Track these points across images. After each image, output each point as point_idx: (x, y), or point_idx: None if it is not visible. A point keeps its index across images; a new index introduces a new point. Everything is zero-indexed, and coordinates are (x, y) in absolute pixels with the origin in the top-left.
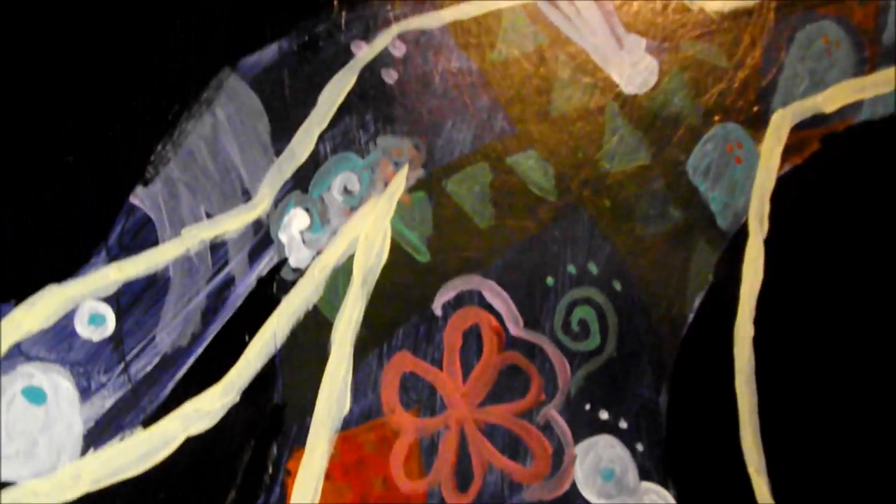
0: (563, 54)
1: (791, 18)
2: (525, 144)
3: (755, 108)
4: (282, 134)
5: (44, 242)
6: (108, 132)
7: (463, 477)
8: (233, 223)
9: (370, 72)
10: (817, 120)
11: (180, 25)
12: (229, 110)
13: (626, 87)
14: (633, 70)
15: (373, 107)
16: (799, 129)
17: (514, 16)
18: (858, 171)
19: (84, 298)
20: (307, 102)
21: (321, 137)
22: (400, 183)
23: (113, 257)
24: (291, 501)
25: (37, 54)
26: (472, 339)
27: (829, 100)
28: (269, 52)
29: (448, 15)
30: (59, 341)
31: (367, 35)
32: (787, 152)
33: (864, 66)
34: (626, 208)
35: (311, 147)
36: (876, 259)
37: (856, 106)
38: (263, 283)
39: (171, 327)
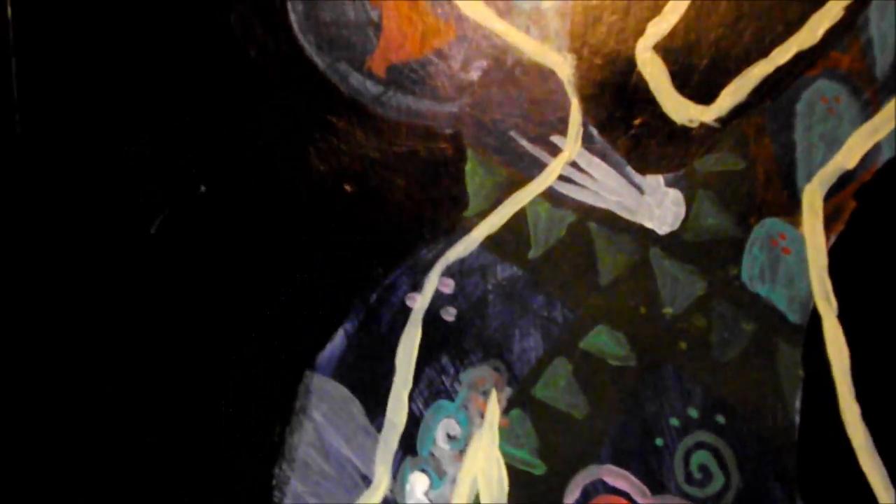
0: (593, 223)
1: (786, 94)
2: (591, 323)
3: (784, 194)
4: (376, 409)
5: None
6: (228, 476)
7: None
8: None
9: (430, 317)
10: (845, 179)
11: (256, 345)
12: (323, 408)
13: (661, 228)
14: (662, 210)
15: (444, 349)
16: (831, 196)
17: (537, 208)
18: None
19: None
20: (387, 370)
21: (411, 398)
22: (494, 410)
23: None
24: None
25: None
26: None
27: (849, 155)
28: (338, 340)
29: (479, 234)
30: None
31: (416, 285)
32: (829, 223)
33: (869, 107)
34: (701, 343)
35: (405, 411)
36: None
37: (875, 150)
38: None
39: None
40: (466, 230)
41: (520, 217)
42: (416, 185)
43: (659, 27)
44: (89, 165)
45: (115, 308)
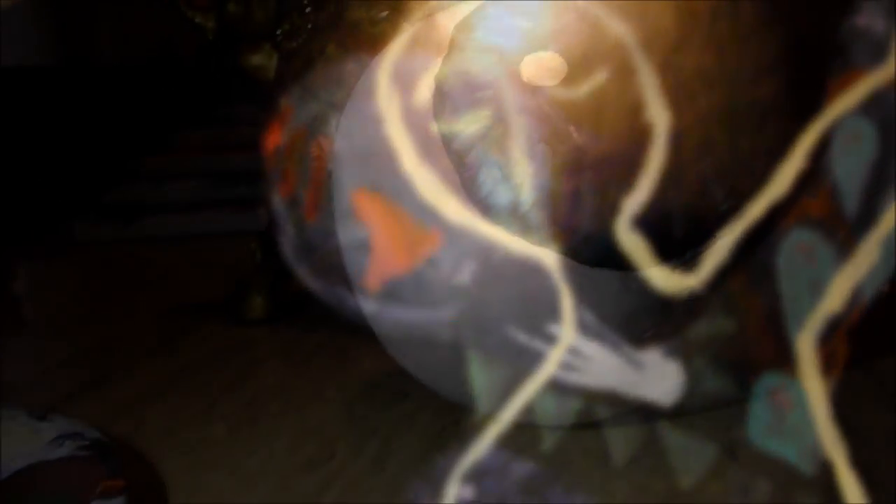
0: (599, 406)
1: (764, 251)
2: None
3: (777, 349)
4: None
5: None
6: None
7: None
8: None
9: None
10: (834, 324)
11: None
12: None
13: (665, 400)
14: (663, 382)
15: None
16: (824, 342)
17: (544, 400)
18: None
19: None
20: None
21: None
22: None
23: None
24: None
25: None
26: None
27: (835, 299)
28: None
29: (491, 435)
30: None
31: (436, 496)
32: (827, 369)
33: (846, 248)
34: None
35: None
36: None
37: (857, 290)
38: None
39: None
40: (478, 433)
41: (528, 411)
42: (425, 396)
43: (634, 202)
44: None
45: None
